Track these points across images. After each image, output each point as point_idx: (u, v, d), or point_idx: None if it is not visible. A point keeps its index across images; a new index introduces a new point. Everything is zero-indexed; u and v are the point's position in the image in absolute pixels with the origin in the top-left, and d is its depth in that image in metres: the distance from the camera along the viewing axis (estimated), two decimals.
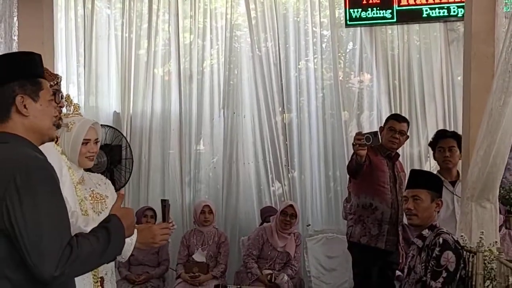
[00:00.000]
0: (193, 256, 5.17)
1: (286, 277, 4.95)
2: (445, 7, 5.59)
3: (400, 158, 5.60)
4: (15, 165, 1.73)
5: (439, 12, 5.61)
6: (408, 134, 4.43)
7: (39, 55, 2.01)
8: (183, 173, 6.07)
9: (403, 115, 5.65)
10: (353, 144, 3.86)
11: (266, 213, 5.61)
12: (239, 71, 6.14)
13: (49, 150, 2.21)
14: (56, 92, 2.31)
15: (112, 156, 5.54)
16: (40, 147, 1.96)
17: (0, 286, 1.73)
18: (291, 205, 5.19)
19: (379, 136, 3.79)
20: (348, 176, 5.27)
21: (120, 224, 1.92)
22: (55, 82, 2.50)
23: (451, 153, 4.10)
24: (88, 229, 2.27)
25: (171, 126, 6.13)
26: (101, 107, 6.11)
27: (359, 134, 3.86)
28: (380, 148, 4.20)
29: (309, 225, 5.82)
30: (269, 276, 4.97)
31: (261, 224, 5.52)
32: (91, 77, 6.13)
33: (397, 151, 4.34)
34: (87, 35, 6.14)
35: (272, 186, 6.04)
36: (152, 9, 6.13)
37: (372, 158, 4.08)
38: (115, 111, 6.21)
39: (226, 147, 6.05)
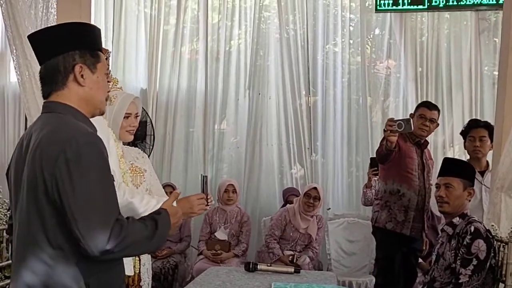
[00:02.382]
0: (216, 233, 5.24)
1: (307, 259, 5.00)
2: None
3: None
4: (66, 138, 1.73)
5: (471, 0, 5.55)
6: (439, 122, 4.42)
7: (99, 29, 2.02)
8: (206, 151, 6.11)
9: None
10: (384, 130, 3.85)
11: (288, 194, 5.65)
12: (265, 52, 6.14)
13: (99, 122, 2.24)
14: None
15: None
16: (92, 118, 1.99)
17: (54, 254, 1.75)
18: (315, 188, 5.23)
19: (411, 124, 3.77)
20: (369, 161, 5.32)
21: (168, 220, 1.94)
22: (106, 57, 2.52)
23: (482, 143, 4.10)
24: (134, 200, 2.33)
25: (196, 104, 6.16)
26: (128, 83, 6.13)
27: (391, 120, 3.83)
28: (409, 135, 4.20)
29: (329, 208, 5.85)
30: (290, 257, 5.02)
31: (283, 205, 5.57)
32: (119, 52, 6.16)
33: (426, 139, 4.34)
34: (116, 10, 6.16)
35: (294, 168, 6.07)
36: None
37: (401, 145, 4.07)
38: (141, 87, 6.24)
39: (250, 127, 6.08)
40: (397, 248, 4.15)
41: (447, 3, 5.58)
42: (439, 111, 4.33)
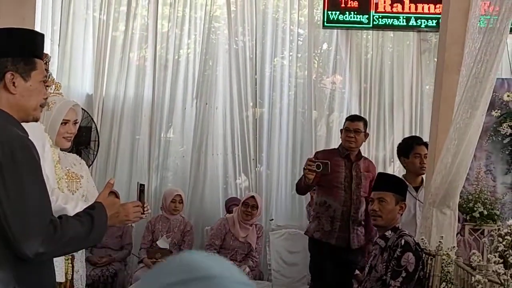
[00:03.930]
0: (157, 242, 5.21)
1: (247, 269, 5.04)
2: (420, 17, 5.75)
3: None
4: None
5: (414, 22, 5.77)
6: (368, 132, 4.64)
7: (42, 35, 2.01)
8: (151, 159, 6.09)
9: (371, 118, 5.84)
10: (304, 168, 4.12)
11: (230, 204, 5.69)
12: (214, 62, 6.19)
13: (34, 126, 2.23)
14: (45, 71, 2.33)
15: (80, 137, 5.52)
16: (27, 123, 1.98)
17: None
18: (252, 196, 5.29)
19: (329, 167, 4.03)
20: None
21: (104, 213, 1.96)
22: (45, 62, 2.50)
23: (426, 160, 4.25)
24: (68, 207, 2.32)
25: (143, 112, 6.13)
26: (73, 87, 6.05)
27: (310, 160, 4.11)
28: (340, 148, 4.45)
29: (272, 219, 5.92)
30: None
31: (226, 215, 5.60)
32: (65, 56, 6.07)
33: (361, 152, 4.52)
34: (64, 12, 6.07)
35: (239, 179, 6.12)
36: None
37: (330, 161, 4.25)
38: (87, 92, 6.17)
39: (196, 137, 6.09)
40: (326, 257, 4.27)
41: (390, 23, 5.78)
42: (365, 122, 4.54)
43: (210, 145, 6.10)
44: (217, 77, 6.16)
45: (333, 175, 4.29)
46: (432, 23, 5.69)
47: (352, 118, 4.59)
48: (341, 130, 4.53)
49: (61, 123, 2.72)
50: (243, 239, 5.21)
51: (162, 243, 5.19)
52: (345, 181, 4.36)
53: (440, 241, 3.22)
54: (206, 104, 6.10)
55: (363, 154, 4.61)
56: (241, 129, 6.06)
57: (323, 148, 5.86)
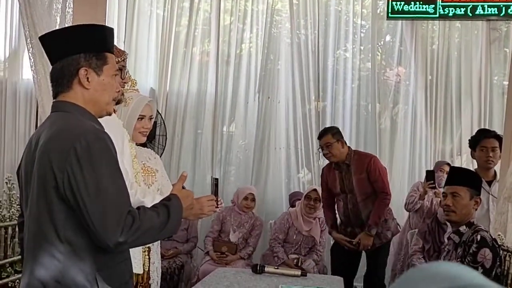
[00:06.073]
0: (230, 236, 5.24)
1: (312, 263, 5.02)
2: (490, 5, 5.54)
3: (432, 154, 5.66)
4: (75, 135, 1.78)
5: (483, 10, 5.57)
6: (343, 139, 4.68)
7: (111, 29, 2.05)
8: (214, 154, 6.15)
9: (437, 110, 5.71)
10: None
11: (294, 198, 5.68)
12: (276, 56, 6.18)
13: (113, 122, 2.29)
14: (122, 68, 2.39)
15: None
16: (105, 118, 2.03)
17: (65, 249, 1.80)
18: (315, 189, 5.24)
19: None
20: (425, 175, 5.40)
21: (180, 205, 1.98)
22: (122, 59, 2.58)
23: (494, 154, 4.13)
24: (146, 200, 2.37)
25: (206, 106, 6.20)
26: (138, 83, 6.14)
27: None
28: (333, 164, 4.67)
29: None
30: (295, 261, 5.04)
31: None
32: (130, 52, 6.18)
33: (346, 162, 4.59)
34: (129, 10, 6.21)
35: (301, 172, 6.10)
36: None
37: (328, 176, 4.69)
38: (151, 87, 6.29)
39: (258, 131, 6.11)
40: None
41: (458, 13, 5.60)
42: (333, 133, 4.60)
43: (272, 139, 6.11)
44: (279, 71, 6.15)
45: (333, 190, 4.65)
46: (502, 11, 5.47)
47: (319, 136, 4.72)
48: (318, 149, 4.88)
49: (138, 119, 2.78)
50: (306, 233, 5.20)
51: (233, 236, 5.23)
52: (342, 193, 4.60)
53: None
54: (269, 98, 6.10)
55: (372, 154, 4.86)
56: (304, 123, 6.04)
57: (388, 142, 5.84)
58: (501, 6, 5.48)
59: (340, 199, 4.64)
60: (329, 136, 4.54)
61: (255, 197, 5.36)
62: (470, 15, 5.60)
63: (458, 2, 5.62)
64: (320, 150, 4.73)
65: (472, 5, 5.58)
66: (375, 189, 4.49)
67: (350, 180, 4.54)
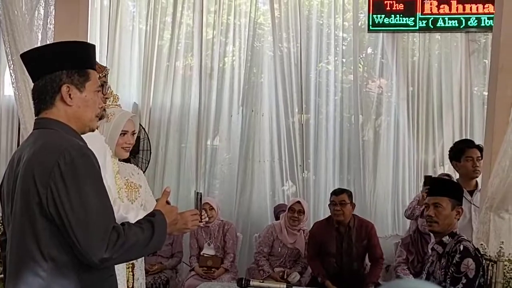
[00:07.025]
0: (203, 251, 5.23)
1: (298, 275, 5.02)
2: (468, 18, 5.63)
3: (415, 165, 5.71)
4: (59, 151, 1.78)
5: (462, 23, 5.65)
6: (354, 203, 4.94)
7: (93, 46, 2.05)
8: (199, 167, 6.14)
9: (419, 121, 5.77)
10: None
11: (279, 210, 5.68)
12: (259, 69, 6.21)
13: (95, 138, 2.29)
14: (104, 84, 2.39)
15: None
16: (88, 134, 2.02)
17: (48, 267, 1.78)
18: (298, 202, 5.26)
19: None
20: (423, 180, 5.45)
21: (164, 220, 1.98)
22: (104, 74, 2.58)
23: (479, 163, 4.17)
24: (129, 216, 2.36)
25: (190, 120, 6.19)
26: (121, 98, 6.10)
27: None
28: (331, 220, 4.86)
29: None
30: (281, 273, 5.04)
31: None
32: (112, 67, 6.18)
33: (349, 224, 4.80)
34: (111, 26, 6.20)
35: (286, 185, 6.11)
36: (177, 2, 6.20)
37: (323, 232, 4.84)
38: (134, 102, 6.28)
39: (242, 144, 6.11)
40: None
41: (438, 25, 5.68)
42: (348, 193, 4.90)
43: (256, 152, 6.12)
44: (263, 84, 6.17)
45: (326, 248, 4.79)
46: (481, 23, 5.56)
47: (335, 192, 4.90)
48: (329, 205, 4.92)
49: (120, 134, 2.77)
50: (291, 245, 5.20)
51: (208, 250, 5.22)
52: (337, 255, 4.76)
53: (500, 247, 3.15)
54: (252, 111, 6.12)
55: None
56: (288, 135, 6.05)
57: (371, 153, 5.88)
58: (480, 18, 5.57)
59: (330, 258, 4.80)
60: (346, 195, 4.82)
61: (212, 205, 5.28)
62: (450, 26, 5.69)
63: (438, 14, 5.70)
64: (330, 204, 4.89)
65: (452, 18, 5.66)
66: (371, 254, 4.79)
67: (349, 245, 4.74)
